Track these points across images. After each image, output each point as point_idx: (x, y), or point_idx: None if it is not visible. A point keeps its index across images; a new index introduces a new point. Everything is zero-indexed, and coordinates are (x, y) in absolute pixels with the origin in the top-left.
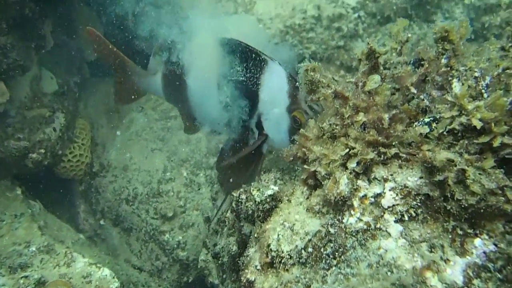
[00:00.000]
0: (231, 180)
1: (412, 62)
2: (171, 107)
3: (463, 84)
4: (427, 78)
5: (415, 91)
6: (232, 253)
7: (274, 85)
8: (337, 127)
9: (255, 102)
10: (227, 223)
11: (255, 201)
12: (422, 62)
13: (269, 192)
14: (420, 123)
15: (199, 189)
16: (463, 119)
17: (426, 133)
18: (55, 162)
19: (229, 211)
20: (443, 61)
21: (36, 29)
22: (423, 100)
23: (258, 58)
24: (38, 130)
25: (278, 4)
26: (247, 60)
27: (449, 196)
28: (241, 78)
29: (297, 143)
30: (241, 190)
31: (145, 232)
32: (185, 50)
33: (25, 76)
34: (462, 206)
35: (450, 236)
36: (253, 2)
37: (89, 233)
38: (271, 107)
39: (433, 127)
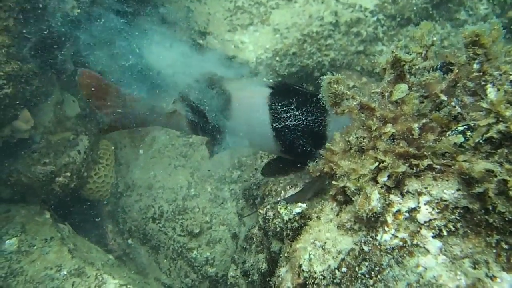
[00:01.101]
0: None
1: (439, 67)
2: None
3: (498, 89)
4: (457, 84)
5: (446, 98)
6: (262, 271)
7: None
8: (364, 140)
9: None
10: (255, 240)
11: (283, 219)
12: (451, 67)
13: (297, 210)
14: (453, 132)
15: (223, 204)
16: (501, 126)
17: (461, 143)
18: (81, 184)
19: (256, 228)
20: (475, 66)
21: (56, 54)
22: (454, 107)
23: (319, 107)
24: (63, 153)
25: (294, 13)
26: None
27: (490, 208)
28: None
29: (323, 157)
30: (268, 207)
31: (173, 249)
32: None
33: (48, 101)
34: (506, 219)
35: (494, 251)
36: (268, 12)
37: (118, 252)
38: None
39: (468, 136)
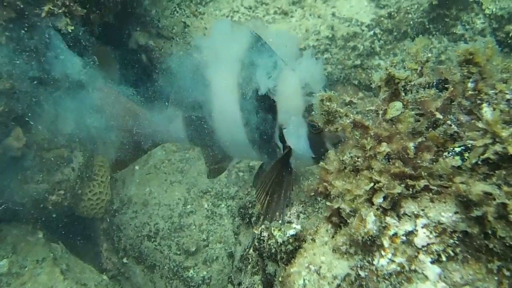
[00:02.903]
0: (268, 200)
1: (435, 84)
2: None
3: (494, 108)
4: (453, 102)
5: (441, 117)
6: None
7: (288, 92)
8: (359, 159)
9: (275, 113)
10: (250, 260)
11: (277, 241)
12: (446, 85)
13: (291, 232)
14: (450, 153)
15: (220, 220)
16: (497, 147)
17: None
18: (75, 202)
19: (251, 249)
20: (470, 85)
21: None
22: (450, 125)
23: (272, 64)
24: (56, 171)
25: (291, 27)
26: (263, 66)
27: (490, 233)
28: (257, 91)
29: (317, 177)
30: (262, 227)
31: (169, 268)
32: (201, 84)
33: (42, 117)
34: (507, 244)
35: (496, 278)
36: (265, 26)
37: (113, 272)
38: (288, 116)
39: (465, 157)
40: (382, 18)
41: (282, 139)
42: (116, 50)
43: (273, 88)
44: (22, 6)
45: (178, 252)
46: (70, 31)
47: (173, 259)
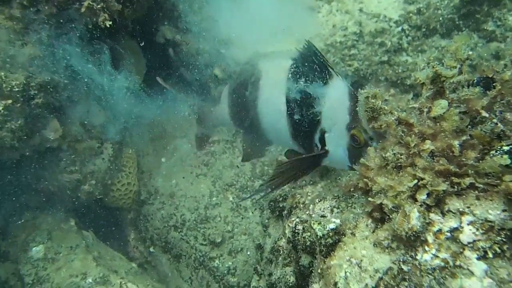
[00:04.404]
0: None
1: (475, 81)
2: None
3: None
4: (499, 100)
5: (487, 115)
6: (290, 284)
7: (336, 101)
8: (402, 156)
9: (319, 116)
10: (281, 252)
11: (317, 235)
12: (493, 83)
13: (331, 226)
14: (498, 152)
15: (246, 213)
16: None
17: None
18: (105, 191)
19: (283, 240)
20: None
21: None
22: (496, 124)
23: (323, 72)
24: (88, 162)
25: (317, 24)
26: (313, 73)
27: None
28: (306, 92)
29: (357, 173)
30: (297, 220)
31: (195, 258)
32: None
33: (76, 110)
34: None
35: None
36: (292, 23)
37: (140, 260)
38: (332, 124)
39: None
40: (411, 14)
41: (322, 141)
42: (144, 45)
43: (321, 93)
44: (62, 1)
45: (204, 243)
46: (108, 26)
47: (199, 249)
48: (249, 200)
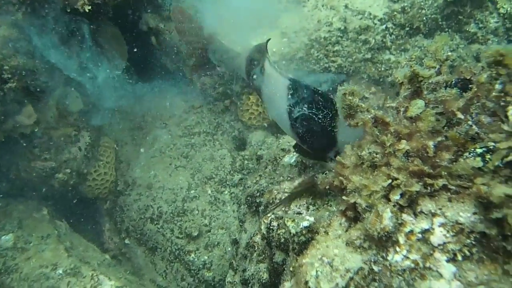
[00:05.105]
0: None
1: (454, 83)
2: (194, 123)
3: None
4: (474, 102)
5: (462, 117)
6: (263, 281)
7: (349, 131)
8: (377, 155)
9: (334, 141)
10: (256, 248)
11: (290, 232)
12: (467, 85)
13: (305, 223)
14: (471, 154)
15: (223, 206)
16: None
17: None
18: (81, 181)
19: (258, 236)
20: (498, 86)
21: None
22: (471, 126)
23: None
24: (64, 150)
25: (302, 18)
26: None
27: (509, 235)
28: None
29: (333, 170)
30: (272, 217)
31: (170, 251)
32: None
33: (52, 96)
34: None
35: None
36: (277, 15)
37: (114, 251)
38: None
39: (487, 159)
40: (395, 13)
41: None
42: (126, 32)
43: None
44: None
45: (180, 236)
46: (87, 11)
47: (175, 243)
48: (227, 194)
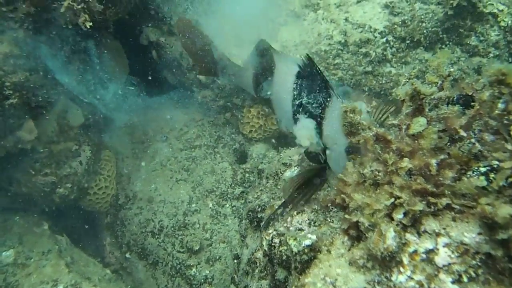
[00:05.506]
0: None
1: (455, 99)
2: (195, 136)
3: None
4: (478, 120)
5: (465, 134)
6: None
7: (335, 123)
8: (379, 173)
9: (320, 133)
10: (258, 264)
11: (292, 251)
12: (470, 102)
13: (307, 242)
14: (475, 173)
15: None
16: None
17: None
18: (81, 195)
19: (259, 252)
20: (500, 105)
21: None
22: (474, 144)
23: (325, 91)
24: (64, 164)
25: (302, 31)
26: (317, 89)
27: None
28: (309, 105)
29: (334, 188)
30: (274, 233)
31: (171, 266)
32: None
33: (53, 110)
34: None
35: None
36: (276, 29)
37: (115, 266)
38: (332, 142)
39: (491, 178)
40: (396, 26)
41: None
42: (127, 46)
43: (320, 113)
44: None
45: (182, 250)
46: (89, 27)
47: (176, 257)
48: (229, 207)
